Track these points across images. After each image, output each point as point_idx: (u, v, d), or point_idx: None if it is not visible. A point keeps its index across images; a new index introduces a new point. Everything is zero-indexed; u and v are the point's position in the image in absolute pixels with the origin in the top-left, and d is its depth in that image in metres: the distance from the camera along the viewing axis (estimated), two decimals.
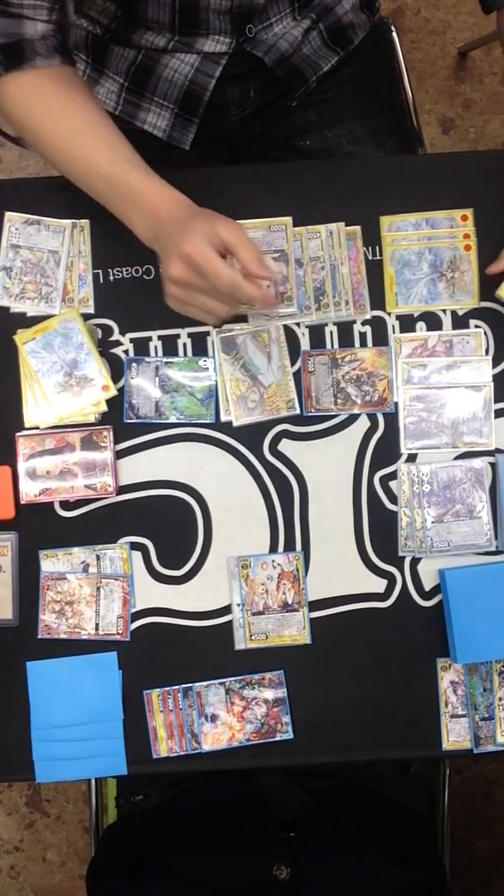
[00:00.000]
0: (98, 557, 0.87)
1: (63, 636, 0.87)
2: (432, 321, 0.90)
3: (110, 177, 0.78)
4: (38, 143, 0.82)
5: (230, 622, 0.88)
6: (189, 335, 0.90)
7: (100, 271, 0.90)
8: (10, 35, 0.77)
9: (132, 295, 0.90)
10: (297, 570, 0.88)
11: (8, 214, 0.89)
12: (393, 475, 0.89)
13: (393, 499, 0.89)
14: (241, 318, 0.89)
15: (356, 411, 0.88)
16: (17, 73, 0.78)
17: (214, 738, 0.86)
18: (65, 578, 0.87)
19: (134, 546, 0.88)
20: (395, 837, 0.92)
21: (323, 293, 0.89)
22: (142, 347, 0.89)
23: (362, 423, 0.89)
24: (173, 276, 0.74)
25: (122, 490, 0.88)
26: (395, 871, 0.86)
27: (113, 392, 0.87)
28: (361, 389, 0.88)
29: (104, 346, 0.89)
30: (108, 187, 0.79)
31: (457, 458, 0.89)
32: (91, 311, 0.89)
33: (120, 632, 0.87)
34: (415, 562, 0.89)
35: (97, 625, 0.87)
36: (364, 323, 0.90)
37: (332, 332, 0.90)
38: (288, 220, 0.89)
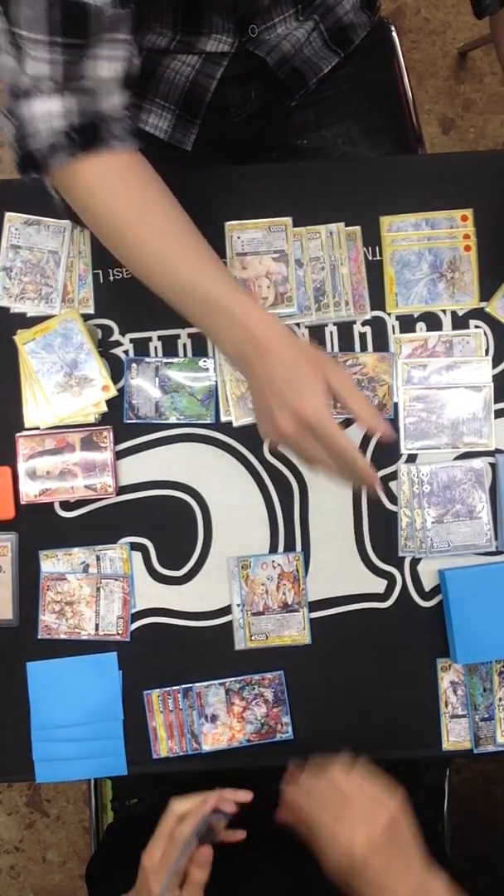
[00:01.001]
0: (98, 558, 0.87)
1: (63, 636, 0.87)
2: (432, 321, 0.90)
3: (199, 290, 0.71)
4: (115, 240, 0.75)
5: (230, 622, 0.88)
6: (189, 335, 0.90)
7: (100, 271, 0.90)
8: (88, 114, 0.71)
9: (132, 295, 0.89)
10: (297, 571, 0.88)
11: (8, 214, 0.89)
12: (393, 475, 0.89)
13: (393, 499, 0.89)
14: None
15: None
16: (93, 156, 0.71)
17: (214, 738, 0.86)
18: (65, 579, 0.87)
19: (134, 546, 0.88)
20: None
21: (323, 293, 0.89)
22: (142, 347, 0.89)
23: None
24: (284, 432, 0.68)
25: (122, 490, 0.88)
26: None
27: (113, 392, 0.87)
28: None
29: (104, 347, 0.89)
30: (196, 301, 0.72)
31: (457, 458, 0.89)
32: (91, 311, 0.89)
33: (120, 632, 0.87)
34: (415, 562, 0.89)
35: (97, 625, 0.87)
36: (364, 323, 0.90)
37: (332, 333, 0.90)
38: (288, 220, 0.89)
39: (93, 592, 0.87)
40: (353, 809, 0.70)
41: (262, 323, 0.70)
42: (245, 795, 0.75)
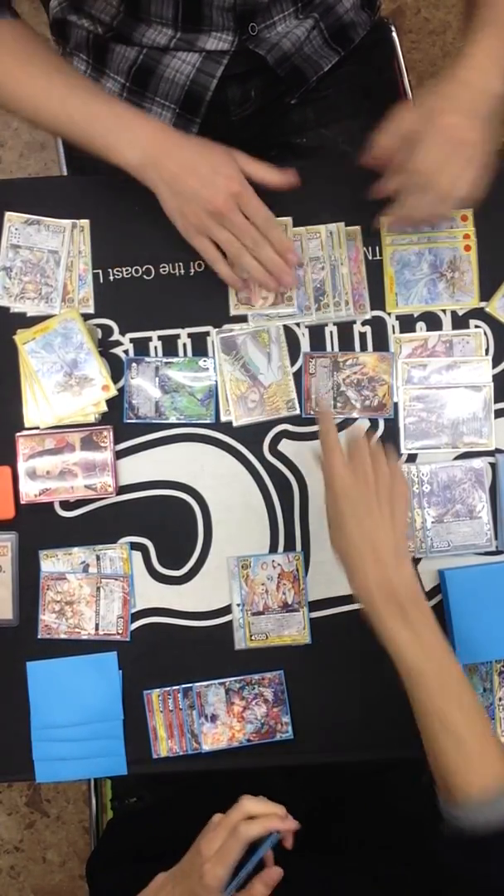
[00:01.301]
0: (98, 557, 0.87)
1: (63, 636, 0.87)
2: (432, 321, 0.90)
3: (94, 111, 0.81)
4: (4, 92, 0.83)
5: (230, 622, 0.88)
6: (189, 335, 0.90)
7: (100, 271, 0.90)
8: None
9: (132, 295, 0.90)
10: (297, 570, 0.88)
11: (8, 214, 0.89)
12: None
13: None
14: (241, 319, 0.89)
15: (355, 415, 0.88)
16: None
17: (214, 738, 0.86)
18: (65, 578, 0.87)
19: (134, 546, 0.88)
20: (401, 842, 0.91)
21: (323, 293, 0.89)
22: (142, 347, 0.89)
23: (362, 423, 0.89)
24: (216, 204, 0.78)
25: (122, 490, 0.88)
26: (402, 877, 0.86)
27: (113, 392, 0.87)
28: (361, 394, 0.88)
29: (104, 346, 0.89)
30: (92, 122, 0.80)
31: (457, 458, 0.89)
32: (91, 311, 0.89)
33: (120, 632, 0.87)
34: (415, 562, 0.89)
35: (97, 625, 0.87)
36: (364, 323, 0.90)
37: (332, 333, 0.90)
38: (288, 220, 0.89)
39: (93, 592, 0.87)
40: None
41: (160, 125, 0.81)
42: (294, 825, 0.73)
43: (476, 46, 0.77)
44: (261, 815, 0.71)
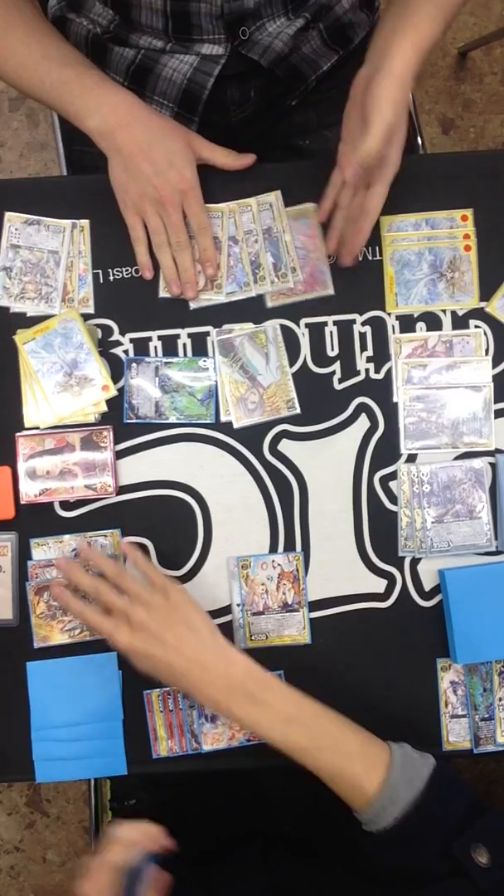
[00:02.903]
0: (89, 544, 0.87)
1: (59, 641, 0.87)
2: (432, 321, 0.90)
3: (63, 79, 0.82)
4: None
5: (230, 622, 0.88)
6: (189, 335, 0.90)
7: (100, 271, 0.90)
8: None
9: (132, 295, 0.90)
10: (297, 570, 0.88)
11: (8, 214, 0.89)
12: (393, 475, 0.89)
13: (393, 499, 0.89)
14: (238, 319, 0.89)
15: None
16: None
17: (214, 738, 0.86)
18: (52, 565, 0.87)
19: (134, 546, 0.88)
20: None
21: (258, 266, 0.88)
22: (142, 347, 0.89)
23: (362, 423, 0.89)
24: (163, 198, 0.80)
25: (122, 490, 0.88)
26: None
27: (113, 392, 0.88)
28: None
29: (104, 346, 0.89)
30: (60, 90, 0.82)
31: (457, 458, 0.89)
32: (91, 311, 0.89)
33: None
34: (415, 562, 0.89)
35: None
36: (364, 323, 0.90)
37: (331, 333, 0.90)
38: (223, 206, 0.89)
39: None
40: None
41: (127, 98, 0.82)
42: (169, 844, 0.73)
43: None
44: (132, 840, 0.71)
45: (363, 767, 0.71)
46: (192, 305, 0.89)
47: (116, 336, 0.90)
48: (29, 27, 0.84)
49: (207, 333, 0.89)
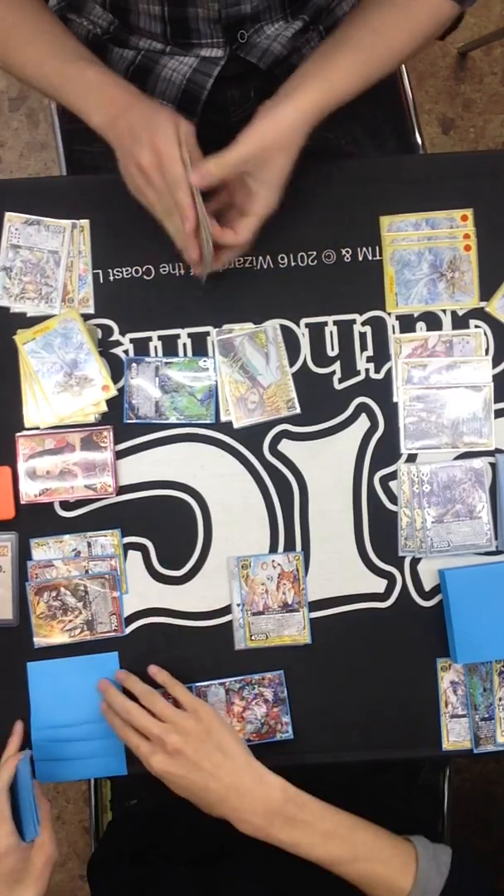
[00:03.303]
0: (89, 544, 0.87)
1: (58, 641, 0.87)
2: (432, 321, 0.90)
3: (66, 75, 0.81)
4: None
5: (230, 622, 0.88)
6: (189, 335, 0.90)
7: (100, 271, 0.90)
8: None
9: (132, 295, 0.90)
10: (297, 570, 0.88)
11: (8, 214, 0.89)
12: (393, 475, 0.89)
13: (393, 499, 0.89)
14: (238, 319, 0.89)
15: None
16: None
17: None
18: (52, 565, 0.87)
19: (134, 546, 0.88)
20: None
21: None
22: (142, 347, 0.89)
23: (362, 423, 0.89)
24: (141, 162, 0.76)
25: (122, 490, 0.88)
26: None
27: (113, 392, 0.88)
28: None
29: (104, 346, 0.89)
30: (64, 86, 0.82)
31: (457, 458, 0.89)
32: (91, 311, 0.89)
33: (115, 628, 0.87)
34: (415, 562, 0.89)
35: (90, 622, 0.87)
36: (364, 323, 0.90)
37: (331, 333, 0.90)
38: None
39: (81, 577, 0.87)
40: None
41: (124, 88, 0.81)
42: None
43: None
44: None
45: (397, 867, 0.73)
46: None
47: (116, 336, 0.90)
48: (35, 24, 0.84)
49: (207, 333, 0.89)
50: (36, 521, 0.88)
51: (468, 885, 0.72)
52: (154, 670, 0.84)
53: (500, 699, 0.88)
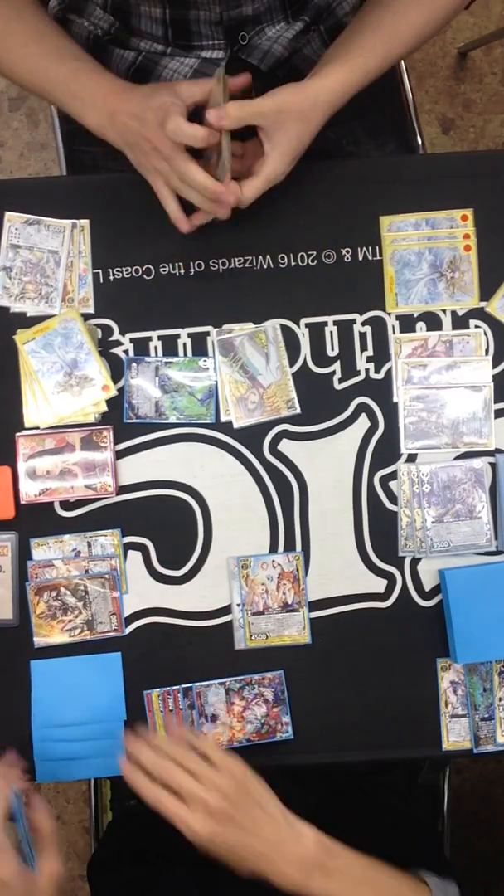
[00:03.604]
0: (89, 544, 0.87)
1: (58, 640, 0.87)
2: (432, 321, 0.90)
3: (60, 77, 0.82)
4: None
5: (230, 622, 0.88)
6: (189, 335, 0.90)
7: (100, 271, 0.90)
8: None
9: (132, 295, 0.90)
10: (297, 570, 0.88)
11: (8, 214, 0.89)
12: (393, 475, 0.89)
13: (393, 499, 0.89)
14: (238, 319, 0.89)
15: None
16: None
17: (214, 737, 0.86)
18: (52, 565, 0.87)
19: (134, 546, 0.88)
20: (397, 842, 0.91)
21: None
22: (142, 347, 0.89)
23: (362, 423, 0.89)
24: (151, 138, 0.77)
25: (122, 490, 0.88)
26: None
27: (113, 392, 0.88)
28: None
29: (104, 346, 0.89)
30: (58, 88, 0.83)
31: (457, 458, 0.89)
32: (91, 311, 0.89)
33: (115, 627, 0.87)
34: (415, 562, 0.89)
35: (90, 622, 0.87)
36: (364, 323, 0.90)
37: (331, 333, 0.90)
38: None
39: (81, 577, 0.87)
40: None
41: (116, 84, 0.82)
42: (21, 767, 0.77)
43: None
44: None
45: None
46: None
47: (116, 336, 0.90)
48: (29, 27, 0.84)
49: (207, 333, 0.89)
50: (36, 521, 0.88)
51: None
52: (171, 727, 0.82)
53: (500, 699, 0.88)
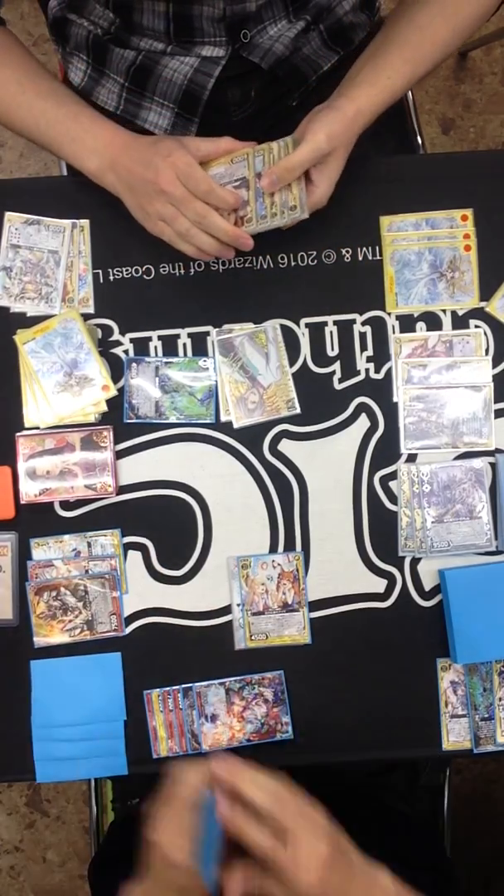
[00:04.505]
0: (89, 544, 0.87)
1: (58, 640, 0.87)
2: (432, 321, 0.90)
3: (58, 118, 0.83)
4: None
5: (230, 622, 0.88)
6: (189, 335, 0.90)
7: (100, 271, 0.90)
8: None
9: (132, 295, 0.90)
10: (297, 570, 0.88)
11: (8, 214, 0.89)
12: (393, 475, 0.89)
13: (393, 499, 0.89)
14: (238, 319, 0.89)
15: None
16: None
17: (214, 738, 0.86)
18: (52, 565, 0.87)
19: (134, 546, 0.88)
20: (399, 843, 0.92)
21: (273, 202, 0.82)
22: (142, 347, 0.89)
23: (362, 423, 0.89)
24: (162, 182, 0.77)
25: (122, 490, 0.88)
26: (399, 873, 0.86)
27: (113, 392, 0.88)
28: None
29: (104, 346, 0.89)
30: (54, 129, 0.83)
31: (457, 458, 0.89)
32: (91, 311, 0.89)
33: (115, 627, 0.87)
34: (415, 562, 0.89)
35: (90, 622, 0.87)
36: (364, 323, 0.90)
37: (331, 333, 0.90)
38: (250, 149, 0.83)
39: (81, 577, 0.87)
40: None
41: (116, 130, 0.83)
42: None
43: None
44: (200, 778, 0.65)
45: None
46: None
47: (116, 336, 0.90)
48: (20, 65, 0.85)
49: (207, 333, 0.89)
50: (36, 521, 0.88)
51: None
52: (220, 765, 0.65)
53: (500, 699, 0.88)
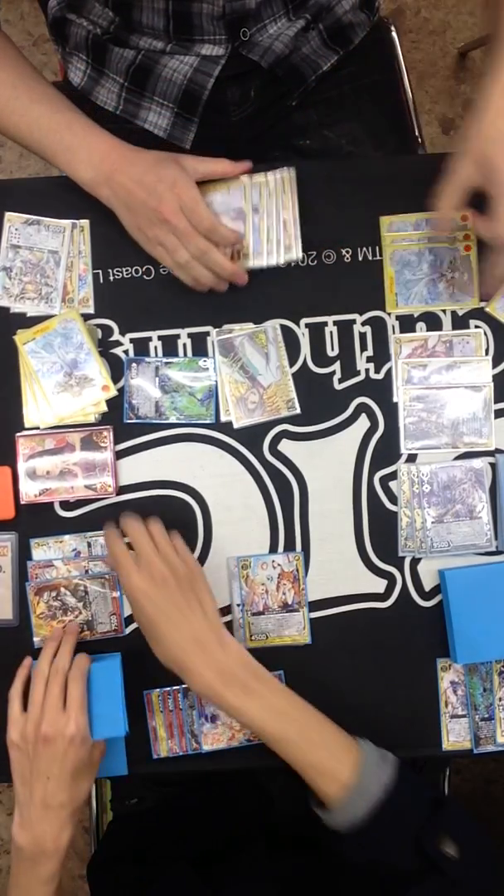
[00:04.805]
0: (89, 545, 0.87)
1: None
2: (432, 321, 0.90)
3: (52, 126, 0.83)
4: None
5: (230, 622, 0.88)
6: (189, 335, 0.90)
7: (100, 271, 0.90)
8: None
9: (132, 295, 0.90)
10: (297, 570, 0.88)
11: (8, 214, 0.89)
12: (393, 475, 0.89)
13: (393, 499, 0.89)
14: (237, 319, 0.89)
15: None
16: None
17: (214, 738, 0.86)
18: (52, 565, 0.87)
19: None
20: None
21: (269, 239, 0.87)
22: (142, 347, 0.89)
23: (362, 423, 0.89)
24: (164, 212, 0.79)
25: (122, 490, 0.88)
26: (398, 873, 0.86)
27: (113, 392, 0.88)
28: None
29: (104, 346, 0.89)
30: (48, 137, 0.83)
31: (457, 458, 0.89)
32: (91, 311, 0.89)
33: (115, 627, 0.87)
34: (415, 562, 0.89)
35: (89, 622, 0.87)
36: (364, 323, 0.90)
37: (331, 333, 0.90)
38: (246, 178, 0.86)
39: (81, 578, 0.87)
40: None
41: (115, 142, 0.83)
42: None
43: None
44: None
45: (340, 759, 0.73)
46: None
47: (116, 336, 0.90)
48: (14, 68, 0.85)
49: (207, 333, 0.89)
50: (36, 521, 0.88)
51: (409, 792, 0.71)
52: (151, 523, 0.82)
53: (500, 699, 0.88)
